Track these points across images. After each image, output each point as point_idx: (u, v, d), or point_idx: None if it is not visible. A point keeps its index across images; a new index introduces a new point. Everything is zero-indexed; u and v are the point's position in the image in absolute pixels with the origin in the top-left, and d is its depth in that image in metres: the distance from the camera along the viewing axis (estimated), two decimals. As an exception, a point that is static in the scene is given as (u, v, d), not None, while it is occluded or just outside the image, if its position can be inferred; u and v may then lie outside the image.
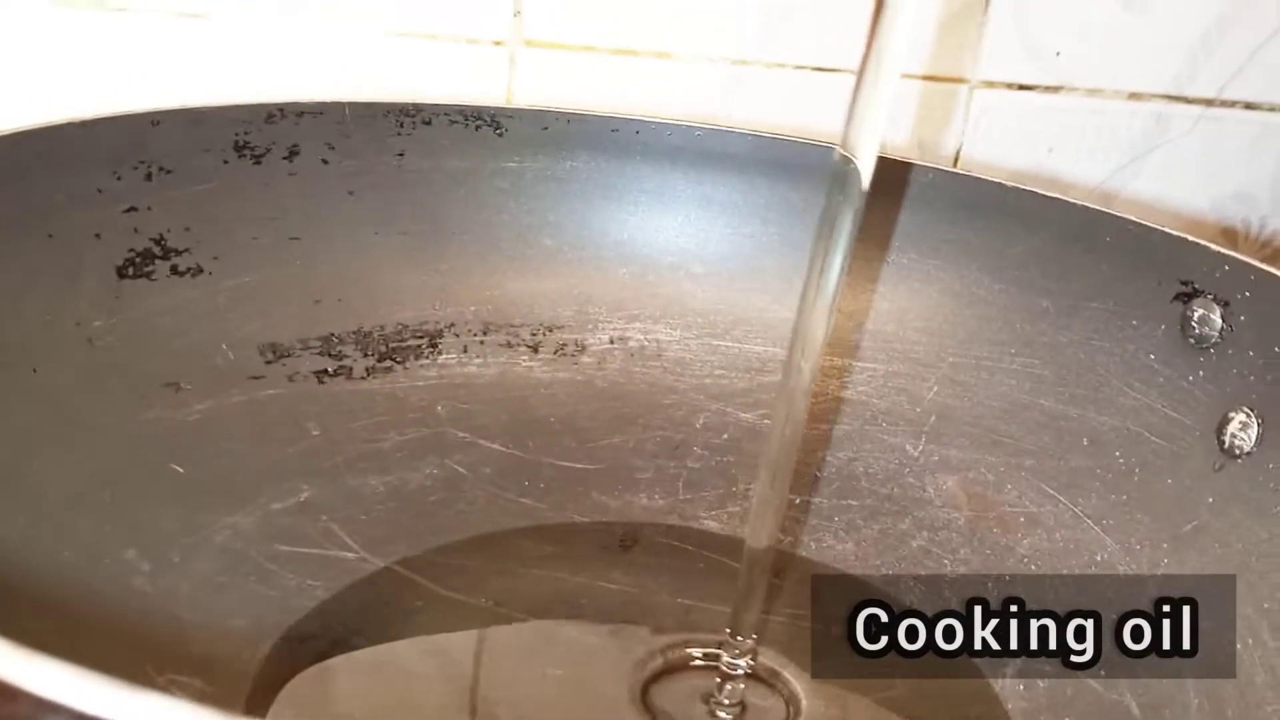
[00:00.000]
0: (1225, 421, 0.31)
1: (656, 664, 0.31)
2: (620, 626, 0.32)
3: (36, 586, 0.27)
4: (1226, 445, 0.31)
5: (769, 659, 0.31)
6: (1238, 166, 0.54)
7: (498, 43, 0.46)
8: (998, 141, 0.51)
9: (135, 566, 0.29)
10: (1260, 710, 0.25)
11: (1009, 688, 0.30)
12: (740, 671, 0.29)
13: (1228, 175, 0.54)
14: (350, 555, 0.32)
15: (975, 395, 0.38)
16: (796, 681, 0.31)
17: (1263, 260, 0.58)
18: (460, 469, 0.37)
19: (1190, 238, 0.34)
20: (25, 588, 0.27)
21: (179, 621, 0.29)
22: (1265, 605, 0.28)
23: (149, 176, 0.34)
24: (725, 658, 0.29)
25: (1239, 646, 0.27)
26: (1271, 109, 0.53)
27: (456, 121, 0.40)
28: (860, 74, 0.24)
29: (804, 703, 0.30)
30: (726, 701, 0.29)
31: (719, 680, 0.30)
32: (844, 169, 0.25)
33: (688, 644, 0.31)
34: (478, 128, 0.40)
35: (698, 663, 0.31)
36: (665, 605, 0.33)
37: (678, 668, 0.31)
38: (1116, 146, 0.53)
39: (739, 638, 0.29)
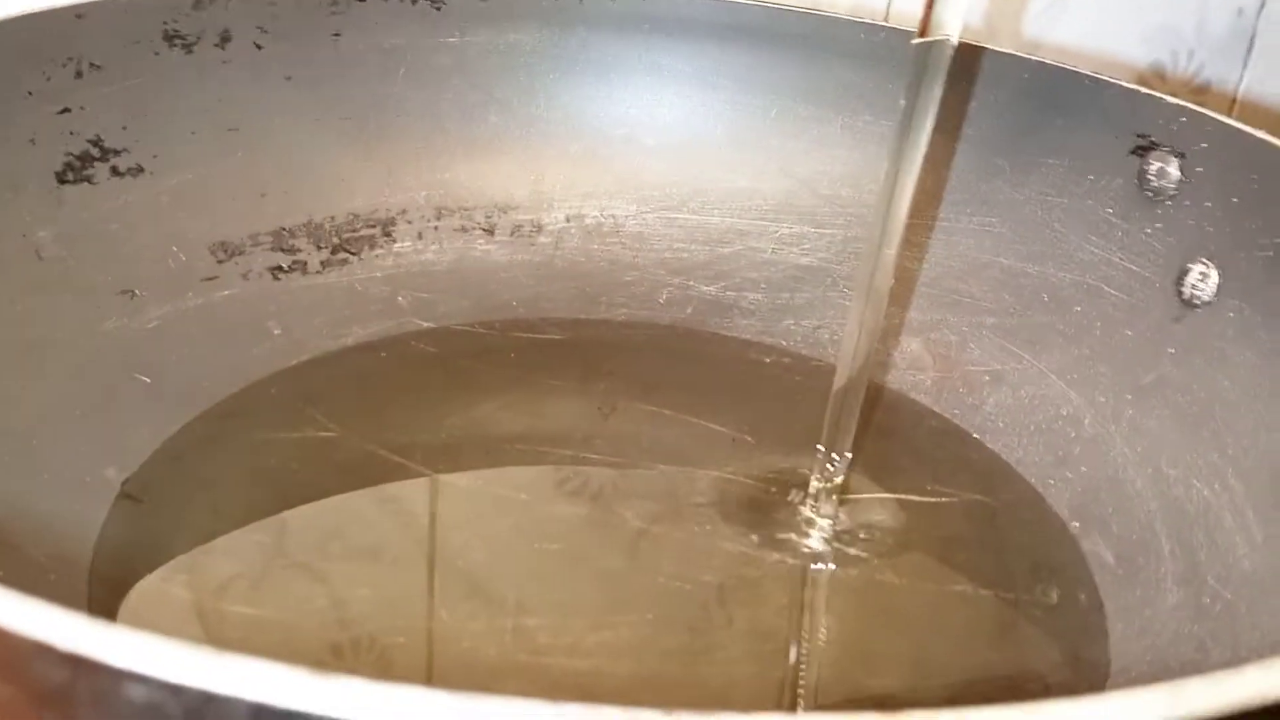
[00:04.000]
0: (1184, 273, 0.32)
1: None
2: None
3: (22, 516, 0.26)
4: (1186, 296, 0.32)
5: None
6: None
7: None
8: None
9: (117, 483, 0.29)
10: (1230, 553, 0.27)
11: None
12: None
13: (1153, 8, 0.55)
14: (329, 437, 0.32)
15: (934, 256, 0.38)
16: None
17: (1191, 95, 0.58)
18: (429, 350, 0.36)
19: (1145, 90, 0.34)
20: (9, 518, 0.26)
21: (166, 532, 0.29)
22: (1229, 451, 0.29)
23: (79, 74, 0.32)
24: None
25: (1207, 493, 0.28)
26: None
27: (393, -3, 0.38)
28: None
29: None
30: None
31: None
32: (924, 50, 0.26)
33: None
34: (415, 2, 0.39)
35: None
36: (648, 472, 0.33)
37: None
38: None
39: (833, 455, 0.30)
